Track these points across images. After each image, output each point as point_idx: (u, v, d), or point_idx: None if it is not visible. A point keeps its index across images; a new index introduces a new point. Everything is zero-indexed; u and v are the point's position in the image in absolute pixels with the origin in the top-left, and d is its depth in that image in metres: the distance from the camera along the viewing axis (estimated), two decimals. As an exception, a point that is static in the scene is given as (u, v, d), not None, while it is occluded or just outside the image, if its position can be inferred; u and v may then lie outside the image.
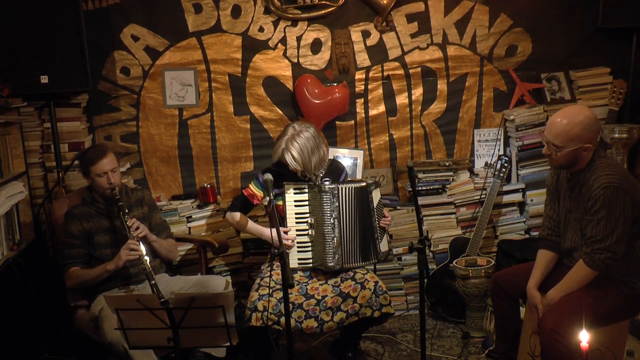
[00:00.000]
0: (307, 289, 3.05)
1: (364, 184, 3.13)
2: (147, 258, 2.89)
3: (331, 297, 2.98)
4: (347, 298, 2.96)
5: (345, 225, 3.09)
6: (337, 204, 3.08)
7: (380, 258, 3.17)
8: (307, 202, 3.12)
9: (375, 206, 3.14)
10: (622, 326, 2.68)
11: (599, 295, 2.56)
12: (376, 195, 3.17)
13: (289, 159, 3.05)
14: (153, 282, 2.79)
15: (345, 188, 3.09)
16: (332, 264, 3.06)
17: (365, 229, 3.12)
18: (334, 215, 3.08)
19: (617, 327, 2.64)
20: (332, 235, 3.07)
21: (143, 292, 2.97)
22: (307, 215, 3.12)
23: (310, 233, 3.12)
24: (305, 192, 3.12)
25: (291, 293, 2.98)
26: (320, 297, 2.99)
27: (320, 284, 3.06)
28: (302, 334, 2.97)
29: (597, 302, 2.54)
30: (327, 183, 3.11)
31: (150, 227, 3.13)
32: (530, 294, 2.76)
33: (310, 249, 3.13)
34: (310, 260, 3.12)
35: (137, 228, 2.97)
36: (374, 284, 2.95)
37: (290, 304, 2.91)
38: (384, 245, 3.19)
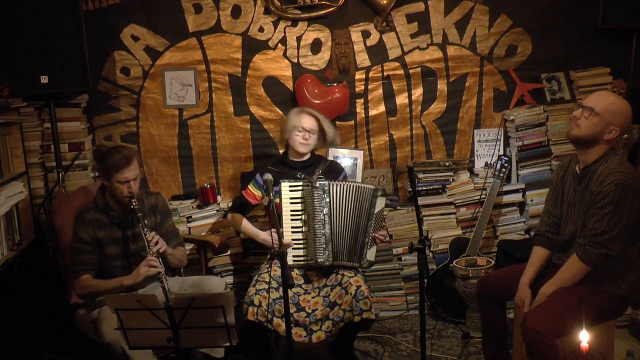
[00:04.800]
0: (299, 299, 3.05)
1: (372, 186, 3.14)
2: (166, 276, 2.83)
3: (321, 310, 3.00)
4: (334, 306, 2.97)
5: (336, 222, 3.10)
6: (327, 200, 3.10)
7: (363, 265, 3.14)
8: (301, 199, 3.14)
9: (375, 212, 3.13)
10: (609, 326, 2.67)
11: (582, 296, 2.54)
12: (380, 203, 3.14)
13: (307, 118, 3.23)
14: (170, 298, 2.69)
15: (337, 185, 3.12)
16: (321, 259, 3.08)
17: (358, 229, 3.12)
18: (324, 212, 3.09)
19: (603, 327, 2.63)
20: (322, 232, 3.08)
21: (155, 291, 2.95)
22: (301, 212, 3.14)
23: (303, 230, 3.13)
24: (299, 190, 3.14)
25: (282, 299, 2.98)
26: (310, 311, 3.00)
27: (312, 297, 3.07)
28: (293, 342, 2.96)
29: (579, 302, 2.52)
30: (320, 180, 3.12)
31: (160, 235, 3.00)
32: (522, 290, 2.75)
33: (303, 246, 3.14)
34: (304, 258, 3.13)
35: (157, 243, 2.88)
36: (355, 288, 2.93)
37: (281, 310, 2.93)
38: (371, 255, 3.16)
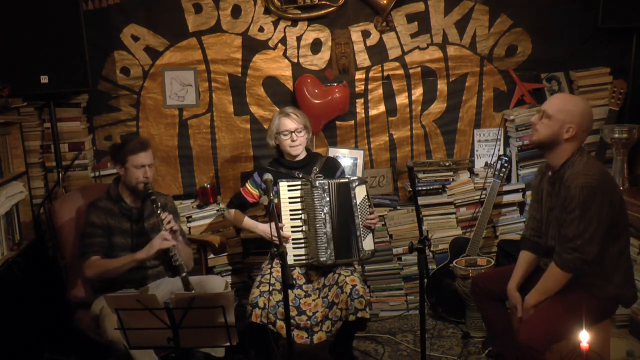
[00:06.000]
0: (300, 302, 3.06)
1: (346, 179, 3.16)
2: (178, 250, 2.92)
3: (321, 312, 3.01)
4: (332, 306, 2.98)
5: (334, 220, 3.11)
6: (327, 199, 3.11)
7: (362, 257, 3.15)
8: (300, 199, 3.15)
9: (358, 203, 3.15)
10: (604, 326, 2.67)
11: (571, 302, 2.54)
12: (360, 192, 3.16)
13: (287, 120, 3.20)
14: (184, 274, 2.84)
15: (333, 183, 3.14)
16: (324, 258, 3.09)
17: (347, 224, 3.13)
18: (325, 210, 3.11)
19: (598, 327, 2.62)
20: (324, 230, 3.10)
21: (155, 291, 2.97)
22: (301, 211, 3.15)
23: (304, 229, 3.13)
24: (298, 189, 3.15)
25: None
26: (311, 314, 3.01)
27: (312, 300, 3.07)
28: (293, 342, 2.98)
29: (569, 310, 2.52)
30: (319, 179, 3.12)
31: None
32: (511, 295, 2.76)
33: (304, 245, 3.15)
34: (305, 257, 3.14)
35: (169, 222, 2.96)
36: (351, 287, 2.94)
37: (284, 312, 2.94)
38: (368, 244, 3.17)
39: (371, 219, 3.19)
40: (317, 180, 3.13)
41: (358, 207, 3.15)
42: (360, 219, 3.15)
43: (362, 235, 3.15)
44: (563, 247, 2.52)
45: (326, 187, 3.12)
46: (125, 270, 2.93)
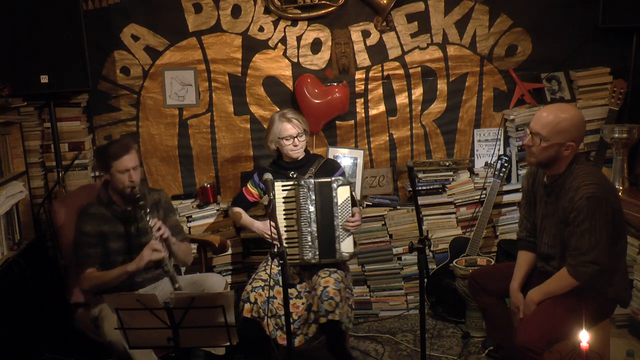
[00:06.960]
0: (289, 304, 3.04)
1: (329, 179, 3.14)
2: (170, 261, 2.87)
3: (303, 315, 3.00)
4: (309, 308, 2.97)
5: (319, 219, 3.11)
6: (313, 197, 3.11)
7: (338, 259, 3.12)
8: (292, 199, 3.16)
9: (339, 203, 3.13)
10: (603, 325, 2.68)
11: (570, 304, 2.54)
12: (342, 193, 3.14)
13: (289, 126, 3.19)
14: (177, 285, 2.79)
15: (316, 182, 3.13)
16: (308, 257, 3.10)
17: (330, 224, 3.12)
18: (310, 209, 3.10)
19: (598, 327, 2.63)
20: (309, 229, 3.10)
21: (155, 290, 2.96)
22: (293, 211, 3.15)
23: (295, 229, 3.13)
24: (290, 189, 3.16)
25: (276, 298, 3.00)
26: (297, 317, 3.00)
27: (301, 303, 3.07)
28: (275, 343, 2.98)
29: (568, 313, 2.53)
30: (308, 178, 3.14)
31: None
32: (513, 296, 2.76)
33: (295, 244, 3.15)
34: (294, 256, 3.14)
35: (159, 229, 2.89)
36: (322, 289, 2.92)
37: (273, 309, 2.93)
38: (346, 246, 3.14)
39: (351, 222, 3.15)
40: (303, 179, 3.14)
41: (339, 207, 3.13)
42: (339, 220, 3.13)
43: (340, 236, 3.13)
44: (578, 261, 2.50)
45: (311, 185, 3.12)
46: (121, 280, 2.90)
